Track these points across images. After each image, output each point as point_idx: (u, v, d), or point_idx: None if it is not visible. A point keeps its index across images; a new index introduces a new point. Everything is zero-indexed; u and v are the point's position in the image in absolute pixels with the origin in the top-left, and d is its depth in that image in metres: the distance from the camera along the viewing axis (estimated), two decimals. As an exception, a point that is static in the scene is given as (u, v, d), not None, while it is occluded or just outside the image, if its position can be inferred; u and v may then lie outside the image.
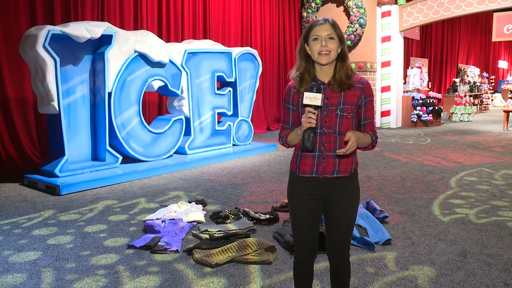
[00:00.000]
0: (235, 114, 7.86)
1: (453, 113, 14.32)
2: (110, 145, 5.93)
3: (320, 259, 3.13)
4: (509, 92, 20.79)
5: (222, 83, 7.89)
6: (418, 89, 13.19)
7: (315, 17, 11.84)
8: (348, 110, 1.97)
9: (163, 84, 6.60)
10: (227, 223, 3.96)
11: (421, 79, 13.45)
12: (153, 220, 4.02)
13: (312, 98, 1.88)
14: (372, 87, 2.06)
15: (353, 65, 11.26)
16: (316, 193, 2.04)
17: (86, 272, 3.04)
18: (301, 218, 2.08)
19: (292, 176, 2.10)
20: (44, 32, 5.05)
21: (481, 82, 18.61)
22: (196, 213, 4.13)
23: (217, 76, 7.44)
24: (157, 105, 8.37)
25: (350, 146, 1.87)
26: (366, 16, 11.22)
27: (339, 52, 1.97)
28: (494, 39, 13.63)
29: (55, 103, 5.25)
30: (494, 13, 12.97)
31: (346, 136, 1.89)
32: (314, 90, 1.89)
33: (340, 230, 2.07)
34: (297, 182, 2.07)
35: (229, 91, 7.68)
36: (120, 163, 6.09)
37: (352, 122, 2.00)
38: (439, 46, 19.78)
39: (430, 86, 15.92)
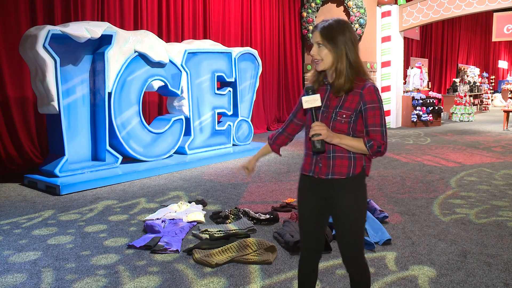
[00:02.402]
0: (235, 114, 7.86)
1: (453, 113, 14.32)
2: (110, 145, 5.93)
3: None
4: (509, 92, 20.79)
5: (222, 83, 7.89)
6: (418, 89, 13.18)
7: (315, 17, 11.85)
8: (342, 114, 1.95)
9: (163, 84, 6.60)
10: (227, 223, 3.97)
11: (421, 79, 13.44)
12: (153, 220, 4.02)
13: (311, 101, 1.91)
14: (375, 93, 1.93)
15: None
16: (317, 191, 2.05)
17: (86, 272, 3.04)
18: (304, 215, 2.11)
19: (300, 174, 2.16)
20: (44, 32, 5.05)
21: (481, 82, 18.60)
22: (196, 213, 4.13)
23: (217, 76, 7.44)
24: (157, 105, 8.37)
25: (313, 128, 1.89)
26: (366, 16, 11.21)
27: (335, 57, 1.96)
28: (494, 39, 13.62)
29: (55, 103, 5.25)
30: (494, 13, 12.97)
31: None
32: (310, 93, 1.93)
33: (342, 233, 2.04)
34: (301, 179, 2.13)
35: (229, 91, 7.68)
36: (120, 163, 6.08)
37: (347, 127, 1.95)
38: (439, 46, 19.77)
39: (430, 86, 15.91)
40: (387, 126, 1.95)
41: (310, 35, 11.78)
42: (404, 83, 13.52)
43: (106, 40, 5.76)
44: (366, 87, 1.94)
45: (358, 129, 1.98)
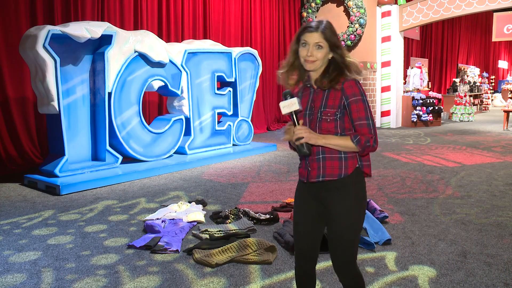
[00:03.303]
0: (235, 114, 7.86)
1: (453, 113, 14.32)
2: (110, 145, 5.93)
3: (319, 259, 3.12)
4: (509, 92, 20.80)
5: (222, 83, 7.89)
6: (418, 89, 13.19)
7: (315, 17, 11.84)
8: (327, 113, 1.91)
9: (163, 84, 6.60)
10: (227, 223, 3.97)
11: (421, 79, 13.45)
12: (153, 220, 4.02)
13: (289, 105, 1.87)
14: (356, 85, 1.91)
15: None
16: (312, 195, 2.00)
17: (86, 272, 3.04)
18: (297, 219, 2.06)
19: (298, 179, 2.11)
20: (44, 32, 5.05)
21: (481, 82, 18.60)
22: (196, 213, 4.13)
23: (217, 76, 7.44)
24: (157, 105, 8.37)
25: (295, 132, 1.87)
26: (366, 16, 11.21)
27: (329, 58, 1.94)
28: (494, 39, 13.62)
29: (55, 103, 5.25)
30: (494, 13, 12.97)
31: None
32: (288, 97, 1.88)
33: (335, 240, 1.96)
34: (298, 184, 2.09)
35: (229, 91, 7.68)
36: (120, 163, 6.08)
37: (334, 126, 1.92)
38: (439, 46, 19.78)
39: (430, 86, 15.91)
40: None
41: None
42: (404, 83, 13.52)
43: (106, 40, 5.76)
44: (346, 81, 1.92)
45: (347, 127, 1.93)
